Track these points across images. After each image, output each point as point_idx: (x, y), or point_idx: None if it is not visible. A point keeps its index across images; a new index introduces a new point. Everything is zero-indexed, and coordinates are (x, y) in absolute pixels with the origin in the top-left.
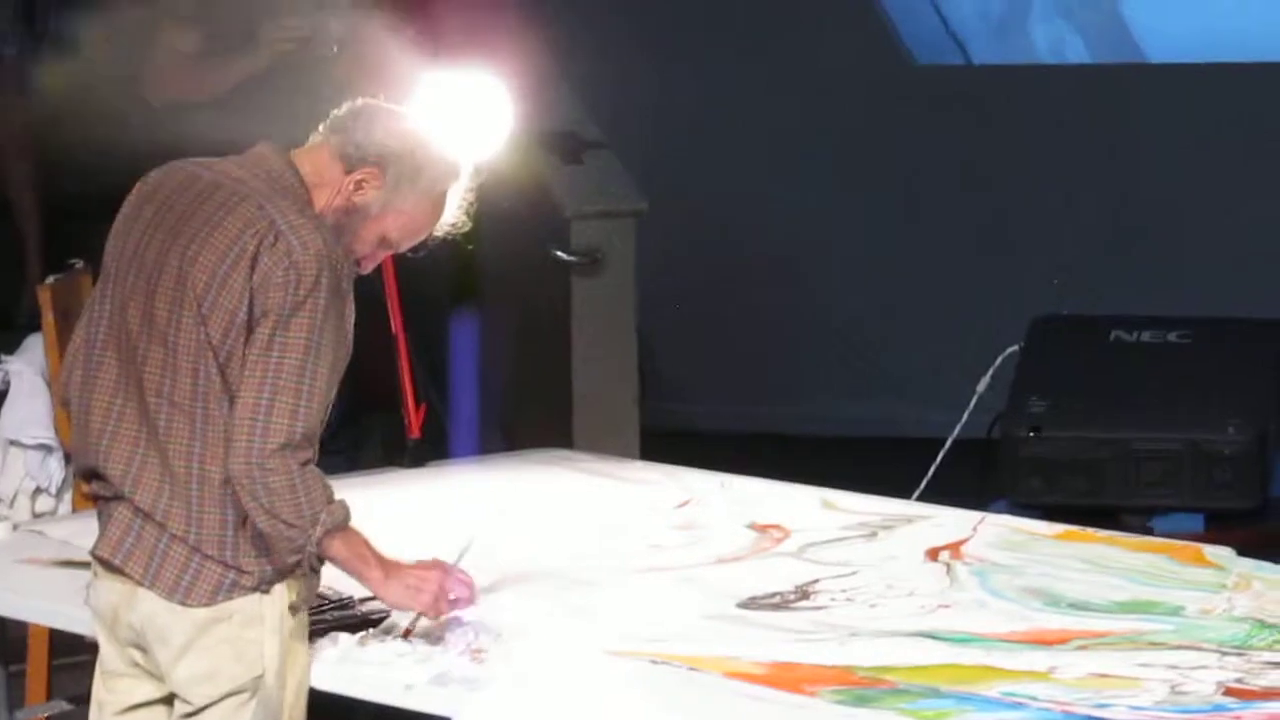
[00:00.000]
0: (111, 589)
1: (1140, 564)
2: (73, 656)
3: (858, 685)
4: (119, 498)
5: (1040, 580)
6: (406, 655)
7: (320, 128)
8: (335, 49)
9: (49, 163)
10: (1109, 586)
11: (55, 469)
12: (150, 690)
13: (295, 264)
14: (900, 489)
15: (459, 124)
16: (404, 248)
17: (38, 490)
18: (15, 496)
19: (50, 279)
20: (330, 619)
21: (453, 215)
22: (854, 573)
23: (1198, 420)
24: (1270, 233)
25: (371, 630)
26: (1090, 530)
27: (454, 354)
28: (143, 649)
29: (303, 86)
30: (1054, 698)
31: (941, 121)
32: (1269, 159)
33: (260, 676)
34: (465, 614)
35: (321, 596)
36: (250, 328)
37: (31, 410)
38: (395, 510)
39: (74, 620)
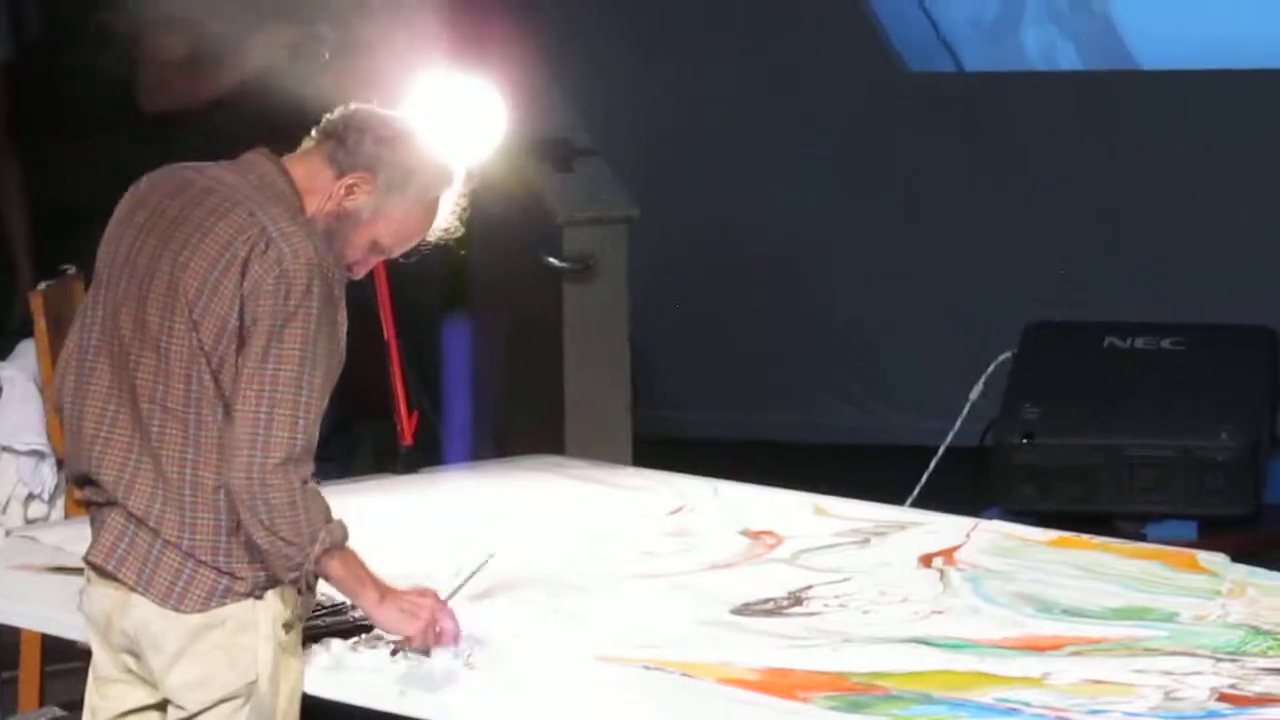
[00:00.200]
0: (104, 595)
1: (1134, 570)
2: (65, 663)
3: (851, 691)
4: (112, 503)
5: (1033, 586)
6: (399, 661)
7: (313, 133)
8: (326, 55)
9: (39, 167)
10: (1103, 593)
11: (48, 475)
12: (143, 696)
13: (286, 272)
14: (893, 496)
15: (451, 129)
16: (396, 253)
17: (30, 496)
18: (8, 502)
19: (42, 285)
20: (323, 625)
21: (445, 221)
22: (847, 579)
23: (1191, 427)
24: (1263, 239)
25: (364, 636)
26: (1084, 536)
27: (446, 360)
28: (136, 655)
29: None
30: (1048, 704)
31: (934, 128)
32: (1262, 165)
33: (254, 682)
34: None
35: (315, 603)
36: (242, 334)
37: (24, 416)
38: (388, 517)
39: (67, 626)
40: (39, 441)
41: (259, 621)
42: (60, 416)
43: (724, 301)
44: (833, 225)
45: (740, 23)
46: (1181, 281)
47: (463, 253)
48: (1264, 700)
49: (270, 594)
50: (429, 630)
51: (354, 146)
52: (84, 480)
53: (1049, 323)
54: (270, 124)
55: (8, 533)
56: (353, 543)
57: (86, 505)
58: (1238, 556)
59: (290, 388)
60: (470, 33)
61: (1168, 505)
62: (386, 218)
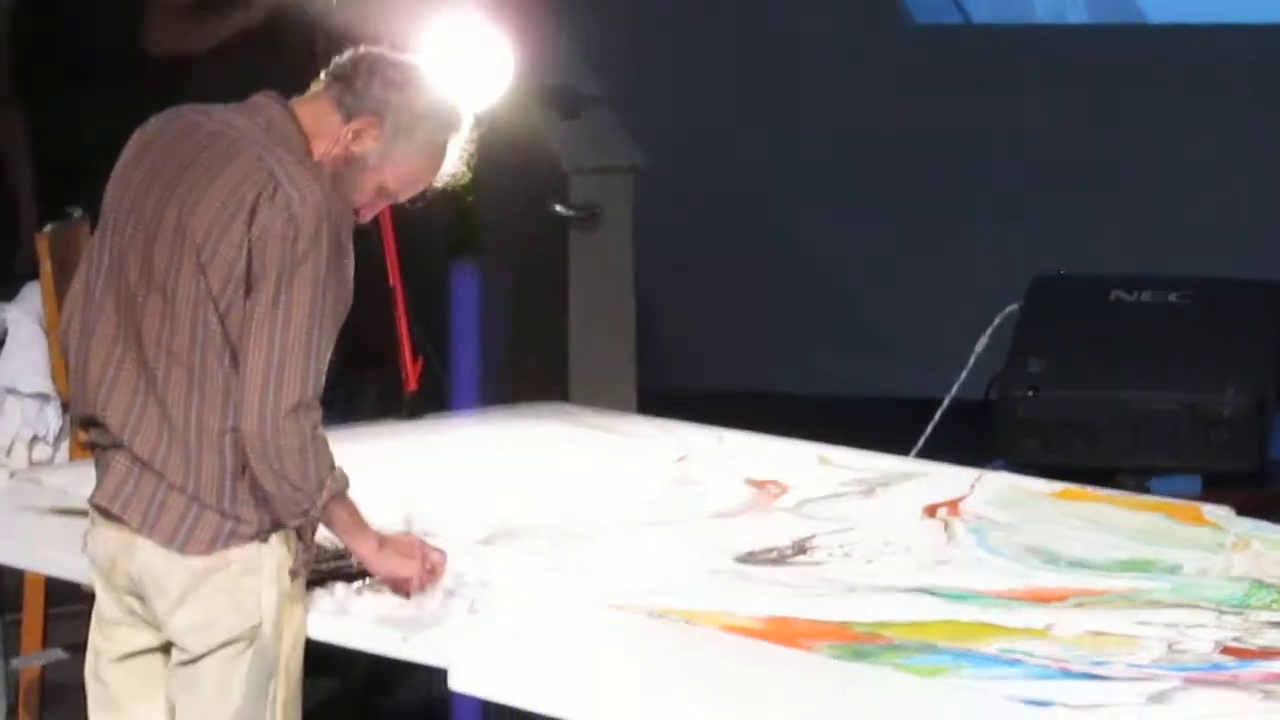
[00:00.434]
0: (109, 537)
1: (1138, 523)
2: (69, 605)
3: (854, 640)
4: (117, 446)
5: (1038, 538)
6: (402, 607)
7: (321, 76)
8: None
9: (44, 111)
10: (1107, 545)
11: (52, 418)
12: (147, 638)
13: (294, 217)
14: (897, 449)
15: (460, 75)
16: (403, 198)
17: (35, 439)
18: (12, 445)
19: (48, 227)
20: (326, 570)
21: (452, 166)
22: (851, 528)
23: (1197, 381)
24: (1272, 193)
25: (368, 581)
26: (1088, 489)
27: (453, 307)
28: (140, 597)
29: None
30: (1051, 655)
31: (940, 81)
32: (1270, 118)
33: (258, 626)
34: (459, 576)
35: (319, 547)
36: (249, 280)
37: (28, 359)
38: (391, 463)
39: (71, 568)
40: (44, 384)
41: (263, 565)
42: (66, 359)
43: (728, 253)
44: (837, 177)
45: None
46: (1190, 235)
47: (470, 199)
48: (1267, 653)
49: (275, 538)
50: (422, 571)
51: (362, 90)
52: (89, 423)
53: (1055, 276)
54: (278, 67)
55: (12, 475)
56: (356, 488)
57: (91, 448)
58: (1242, 512)
59: (301, 334)
60: None
61: (1173, 460)
62: (393, 163)
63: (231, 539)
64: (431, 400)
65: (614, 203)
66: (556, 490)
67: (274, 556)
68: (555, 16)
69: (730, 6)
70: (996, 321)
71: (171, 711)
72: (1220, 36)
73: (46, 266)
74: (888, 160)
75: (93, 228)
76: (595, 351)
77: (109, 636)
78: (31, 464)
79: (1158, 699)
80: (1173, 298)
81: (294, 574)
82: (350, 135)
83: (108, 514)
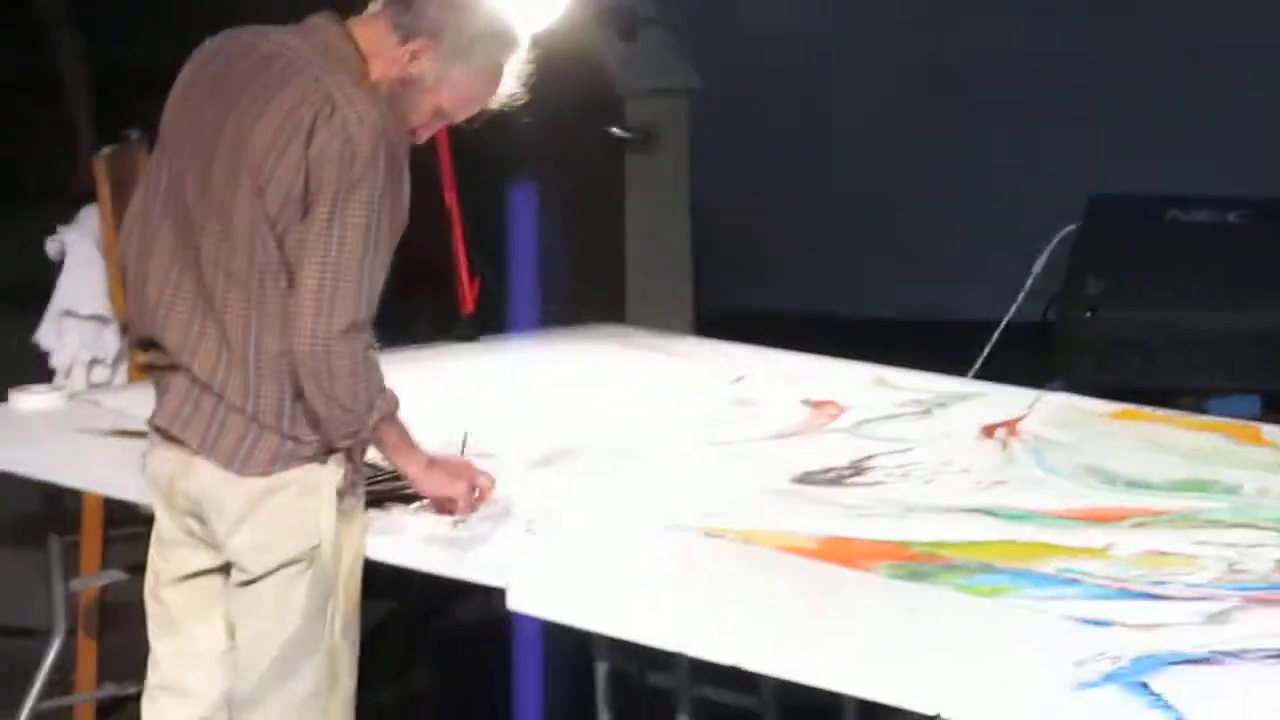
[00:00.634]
0: (168, 458)
1: (1197, 443)
2: (127, 528)
3: (912, 560)
4: (176, 367)
5: (1096, 458)
6: (460, 526)
7: None
8: None
9: (100, 32)
10: (1166, 465)
11: (110, 340)
12: (206, 559)
13: (351, 138)
14: (955, 372)
15: None
16: (459, 119)
17: (93, 361)
18: (71, 367)
19: (105, 150)
20: (384, 491)
21: (508, 87)
22: (909, 449)
23: (1256, 301)
24: None
25: (425, 501)
26: (1146, 409)
27: (509, 228)
28: (199, 518)
29: None
30: (1110, 574)
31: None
32: None
33: (316, 546)
34: (517, 496)
35: (376, 468)
36: (306, 201)
37: (86, 281)
38: (446, 383)
39: (129, 489)
40: (101, 307)
41: (322, 486)
42: (124, 281)
43: (785, 175)
44: (895, 98)
45: None
46: (1248, 154)
47: (526, 120)
48: None
49: (334, 459)
50: (470, 492)
51: (419, 11)
52: (148, 344)
53: (1113, 196)
54: None
55: (70, 397)
56: (412, 410)
57: (150, 369)
58: None
59: (355, 254)
60: None
61: (1231, 380)
62: (450, 84)
63: (290, 460)
64: (487, 322)
65: (670, 125)
66: (613, 411)
67: (333, 478)
68: None
69: None
70: (1054, 243)
71: (230, 631)
72: None
73: (104, 189)
74: (942, 80)
75: (150, 150)
76: (652, 273)
77: (168, 557)
78: (89, 386)
79: (1217, 618)
80: (1231, 217)
81: (341, 494)
82: (407, 56)
83: (167, 435)
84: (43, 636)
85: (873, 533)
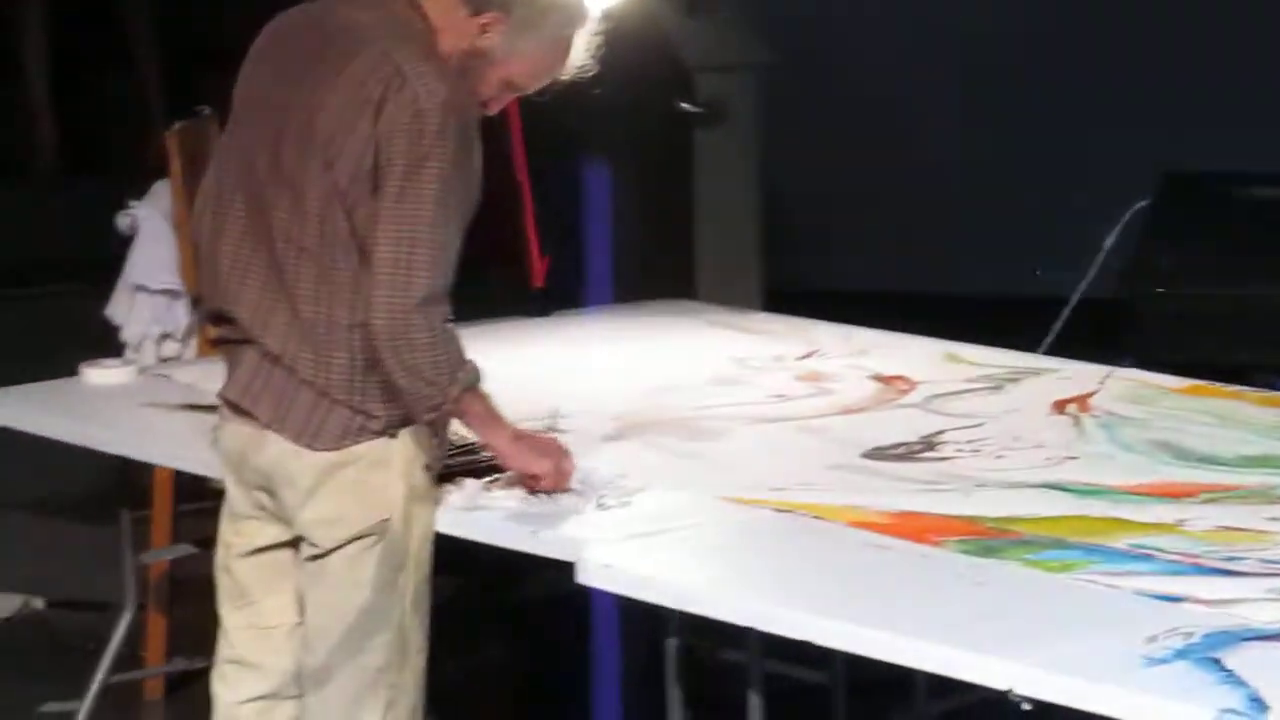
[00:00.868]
0: (239, 432)
1: (1269, 419)
2: (197, 502)
3: (983, 536)
4: (247, 341)
5: (1168, 434)
6: (531, 501)
7: None
8: None
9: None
10: (1238, 441)
11: (181, 314)
12: (276, 533)
13: (420, 111)
14: (1025, 349)
15: None
16: (529, 91)
17: (163, 335)
18: (142, 342)
19: (177, 125)
20: (456, 464)
21: (578, 59)
22: (980, 424)
23: None
24: None
25: (497, 476)
26: (1218, 385)
27: (580, 202)
28: (269, 492)
29: None
30: (1181, 550)
31: None
32: None
33: (386, 520)
34: (588, 471)
35: (447, 441)
36: (376, 175)
37: (158, 255)
38: (518, 359)
39: (200, 463)
40: (172, 281)
41: (392, 460)
42: (197, 256)
43: (855, 150)
44: (964, 72)
45: None
46: None
47: (596, 91)
48: None
49: (404, 433)
50: (556, 471)
51: None
52: (219, 318)
53: (1184, 172)
54: None
55: (141, 371)
56: (484, 385)
57: (221, 343)
58: None
59: (427, 227)
60: None
61: None
62: (520, 56)
63: (361, 434)
64: (558, 297)
65: (740, 100)
66: (684, 386)
67: (403, 451)
68: None
69: None
70: (1126, 218)
71: (300, 604)
72: None
73: (175, 164)
74: (1014, 54)
75: (222, 125)
76: (721, 249)
77: (239, 531)
78: (160, 360)
79: None
80: None
81: (428, 469)
82: (477, 29)
83: (238, 408)
84: (113, 610)
85: (943, 508)
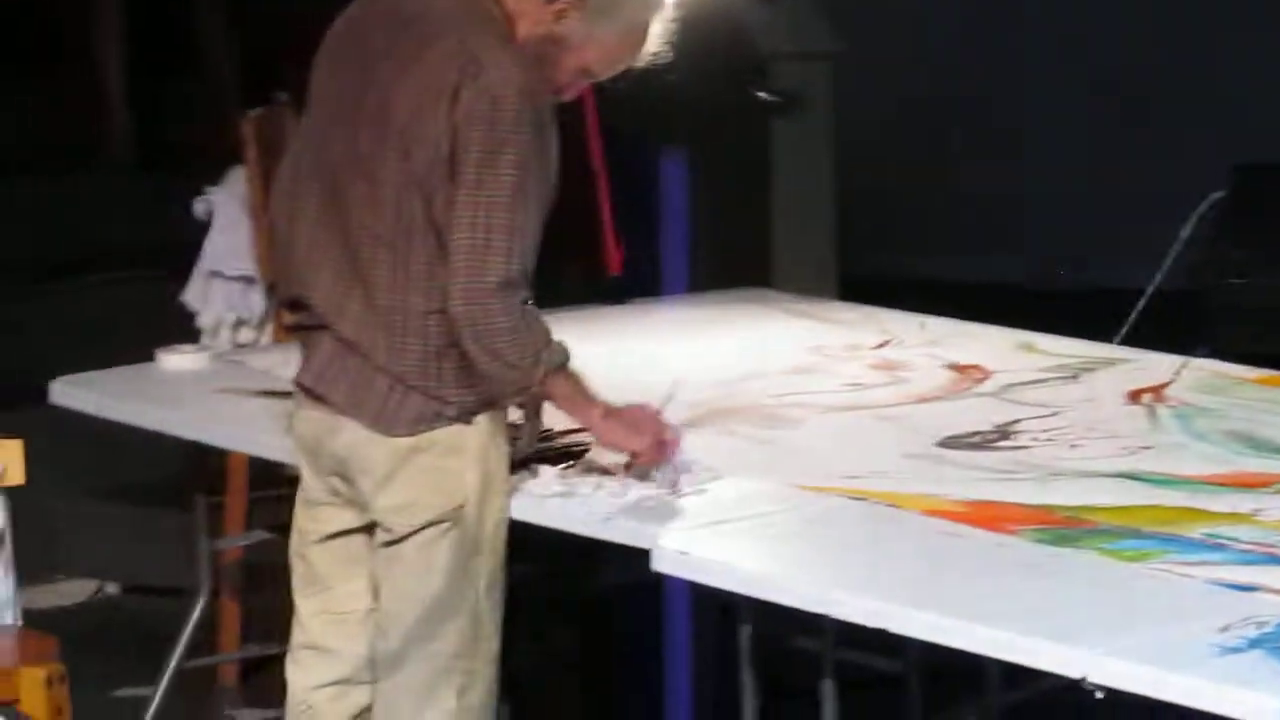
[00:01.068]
0: (314, 418)
1: None
2: (272, 488)
3: (1058, 525)
4: (322, 327)
5: (1244, 424)
6: (605, 488)
7: None
8: None
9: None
10: None
11: (256, 300)
12: (351, 519)
13: (497, 98)
14: (1100, 339)
15: None
16: (604, 78)
17: (239, 321)
18: (217, 327)
19: (253, 112)
20: (530, 451)
21: (654, 46)
22: (1055, 413)
23: None
24: None
25: (572, 462)
26: None
27: (657, 190)
28: (344, 478)
29: None
30: (1257, 540)
31: None
32: None
33: (461, 507)
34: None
35: (520, 427)
36: (453, 162)
37: (233, 242)
38: (594, 347)
39: (274, 449)
40: (248, 267)
41: (467, 446)
42: (273, 241)
43: (930, 139)
44: (1039, 64)
45: None
46: None
47: (672, 79)
48: None
49: (480, 419)
50: (655, 445)
51: None
52: (295, 304)
53: (1259, 164)
54: None
55: (217, 357)
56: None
57: (296, 329)
58: None
59: (503, 213)
60: None
61: None
62: (596, 43)
63: (436, 420)
64: (633, 285)
65: (815, 88)
66: (759, 374)
67: (478, 437)
68: None
69: None
70: (1200, 210)
71: (375, 591)
72: None
73: (251, 150)
74: (1088, 45)
75: (298, 113)
76: (797, 238)
77: (313, 517)
78: (235, 346)
79: None
80: None
81: (486, 454)
82: (553, 15)
83: (313, 394)
84: (187, 596)
85: (1018, 497)
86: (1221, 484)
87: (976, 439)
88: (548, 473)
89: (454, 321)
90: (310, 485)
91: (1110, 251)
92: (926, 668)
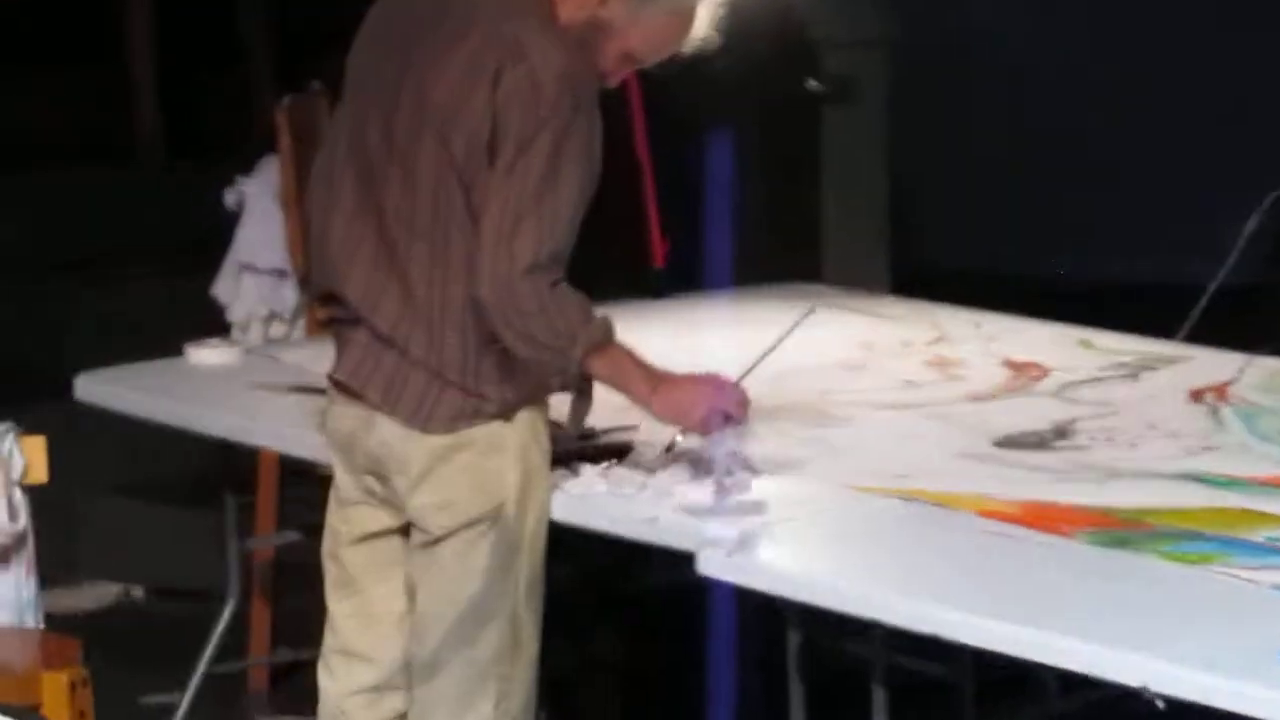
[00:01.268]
0: (348, 414)
1: None
2: (302, 489)
3: (1116, 527)
4: (357, 322)
5: None
6: (650, 488)
7: None
8: None
9: None
10: None
11: (289, 294)
12: (386, 519)
13: (537, 83)
14: (1160, 335)
15: None
16: (649, 64)
17: (271, 315)
18: (249, 322)
19: (286, 100)
20: (571, 449)
21: (701, 31)
22: (1114, 413)
23: None
24: None
25: (615, 461)
26: None
27: (703, 180)
28: (379, 477)
29: None
30: None
31: None
32: None
33: (500, 506)
34: (727, 440)
35: (562, 427)
36: (493, 149)
37: (265, 233)
38: (638, 342)
39: (307, 447)
40: (280, 260)
41: (507, 444)
42: (308, 232)
43: (986, 130)
44: (1099, 54)
45: None
46: None
47: (720, 66)
48: None
49: (520, 415)
50: (711, 419)
51: None
52: (329, 298)
53: None
54: None
55: (248, 352)
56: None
57: (330, 323)
58: None
59: (534, 196)
60: None
61: None
62: (641, 27)
63: (475, 417)
64: (678, 279)
65: (868, 77)
66: (809, 371)
67: (518, 435)
68: None
69: None
70: (1265, 204)
71: (411, 592)
72: None
73: (284, 140)
74: (1146, 40)
75: (332, 102)
76: (848, 231)
77: (347, 518)
78: (267, 341)
79: None
80: None
81: (526, 453)
82: (597, 0)
83: (347, 390)
84: (215, 599)
85: (1075, 498)
86: None
87: (1033, 439)
88: (589, 471)
89: (482, 308)
90: (344, 484)
91: (1172, 246)
92: (980, 674)
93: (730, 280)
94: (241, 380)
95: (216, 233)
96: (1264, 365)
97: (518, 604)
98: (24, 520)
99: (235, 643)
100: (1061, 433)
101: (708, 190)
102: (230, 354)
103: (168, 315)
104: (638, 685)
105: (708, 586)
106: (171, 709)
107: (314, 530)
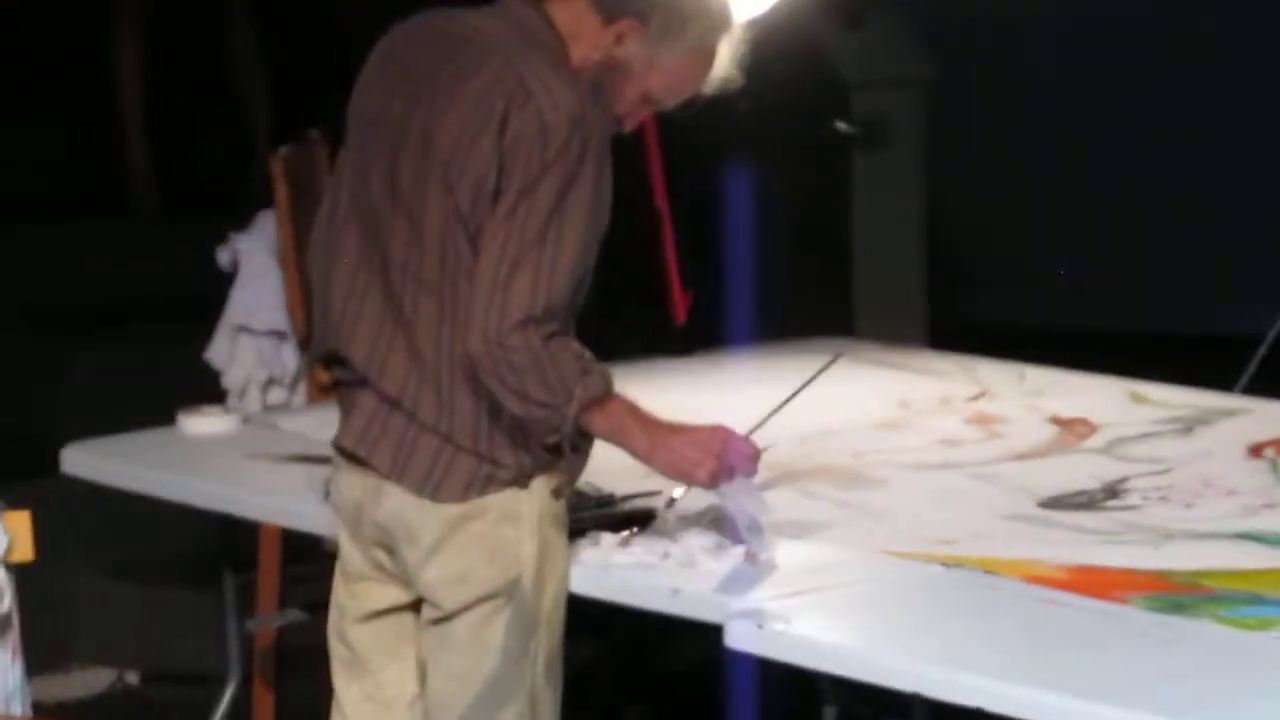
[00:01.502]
0: (355, 483)
1: None
2: (306, 565)
3: (1172, 591)
4: (363, 384)
5: None
6: (672, 557)
7: None
8: None
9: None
10: None
11: (288, 357)
12: (396, 595)
13: (546, 126)
14: (1217, 389)
15: None
16: (668, 106)
17: (269, 380)
18: (245, 387)
19: (283, 149)
20: (590, 517)
21: (723, 72)
22: (1167, 470)
23: None
24: None
25: (636, 530)
26: None
27: (726, 230)
28: (388, 549)
29: None
30: None
31: None
32: None
33: (516, 579)
34: (735, 502)
35: (581, 494)
36: (499, 194)
37: (262, 293)
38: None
39: (312, 519)
40: (278, 321)
41: (523, 513)
42: (308, 291)
43: (1026, 174)
44: (1143, 94)
45: None
46: None
47: (742, 108)
48: None
49: (536, 483)
50: (718, 474)
51: None
52: (332, 359)
53: None
54: None
55: (246, 419)
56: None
57: (334, 387)
58: None
59: (533, 242)
60: None
61: None
62: (660, 68)
63: (488, 484)
64: (702, 334)
65: (902, 118)
66: (843, 430)
67: (535, 503)
68: None
69: None
70: None
71: (422, 674)
72: None
73: (281, 192)
74: (1206, 79)
75: (331, 152)
76: (882, 281)
77: (354, 593)
78: (266, 407)
79: None
80: None
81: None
82: (612, 38)
83: (353, 457)
84: (215, 684)
85: (1128, 561)
86: None
87: (1082, 499)
88: (609, 540)
89: (474, 363)
90: (351, 557)
91: (1227, 295)
92: None
93: (757, 335)
94: (239, 450)
95: (212, 290)
96: None
97: (536, 683)
98: (8, 601)
99: None
100: (1112, 492)
101: (731, 240)
102: (226, 422)
103: (158, 381)
104: None
105: (737, 659)
106: None
107: (319, 609)
